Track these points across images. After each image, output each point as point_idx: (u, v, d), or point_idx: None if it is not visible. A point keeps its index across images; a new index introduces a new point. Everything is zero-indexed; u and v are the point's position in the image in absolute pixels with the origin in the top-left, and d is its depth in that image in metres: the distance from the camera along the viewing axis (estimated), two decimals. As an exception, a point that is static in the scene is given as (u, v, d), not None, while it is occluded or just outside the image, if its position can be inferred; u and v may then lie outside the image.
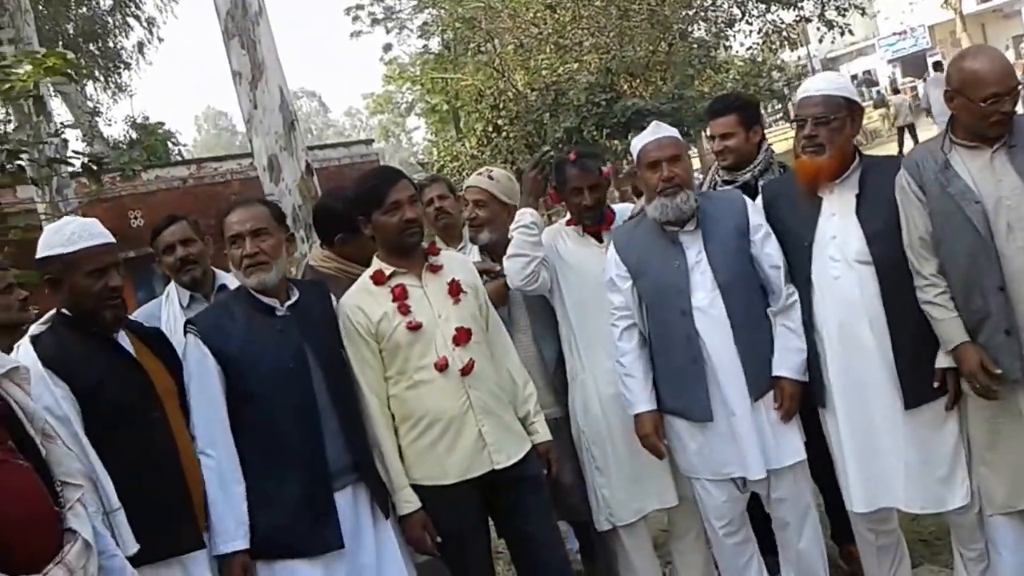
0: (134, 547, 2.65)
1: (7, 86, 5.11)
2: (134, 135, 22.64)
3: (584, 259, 3.64)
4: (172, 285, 3.76)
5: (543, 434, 3.38)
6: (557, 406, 3.71)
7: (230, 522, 2.87)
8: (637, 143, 3.48)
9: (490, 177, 3.92)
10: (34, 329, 2.81)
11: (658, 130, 3.45)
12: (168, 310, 3.72)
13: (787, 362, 3.33)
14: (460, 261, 3.45)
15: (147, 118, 24.40)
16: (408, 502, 3.11)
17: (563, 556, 3.38)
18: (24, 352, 2.72)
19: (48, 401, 2.62)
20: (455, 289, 3.24)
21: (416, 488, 3.12)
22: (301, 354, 3.02)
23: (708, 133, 3.83)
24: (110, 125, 26.34)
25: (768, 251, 3.36)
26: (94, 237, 2.83)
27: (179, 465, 2.86)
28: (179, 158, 21.23)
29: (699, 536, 3.67)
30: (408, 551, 3.19)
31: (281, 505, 2.93)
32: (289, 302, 3.09)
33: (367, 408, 3.13)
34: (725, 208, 3.43)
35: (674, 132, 3.49)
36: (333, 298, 3.25)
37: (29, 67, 5.29)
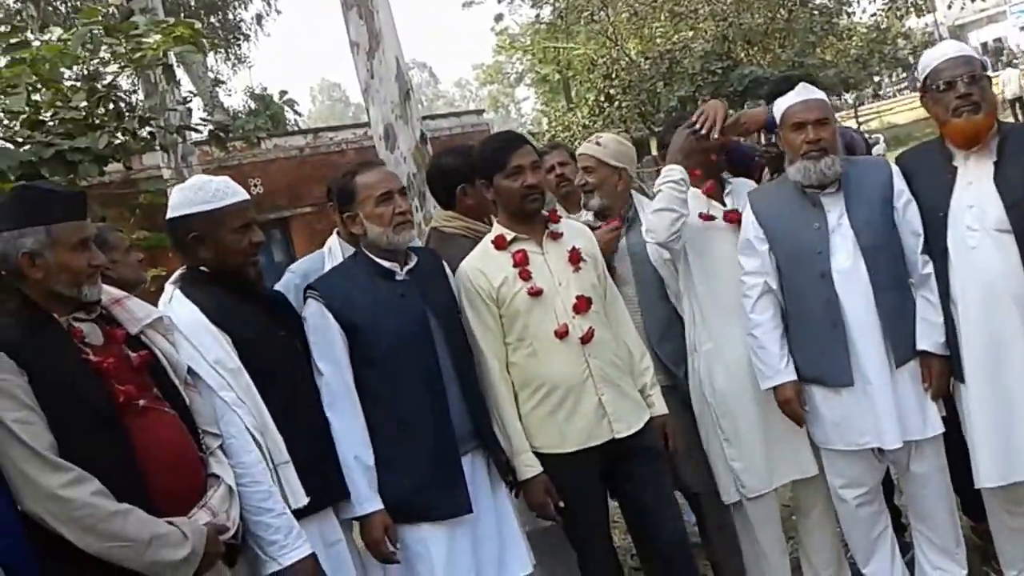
0: (304, 499, 2.70)
1: (139, 54, 5.26)
2: (252, 105, 23.24)
3: (712, 225, 3.53)
4: (335, 239, 3.75)
5: (660, 407, 3.33)
6: (661, 374, 3.61)
7: (363, 485, 2.88)
8: (782, 103, 3.36)
9: (598, 143, 3.86)
10: (172, 286, 2.83)
11: (805, 92, 3.33)
12: (331, 264, 3.69)
13: (930, 336, 3.22)
14: (579, 229, 3.40)
15: (265, 88, 25.03)
16: (529, 466, 3.09)
17: (680, 528, 3.33)
18: (179, 304, 2.74)
19: (219, 354, 2.67)
20: (575, 257, 3.20)
21: (535, 455, 3.11)
22: (424, 319, 3.02)
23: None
24: (230, 95, 27.17)
25: (909, 218, 3.25)
26: (236, 194, 2.83)
27: (324, 420, 2.89)
28: (295, 128, 21.69)
29: (826, 511, 3.57)
30: (520, 519, 3.19)
31: (409, 469, 2.94)
32: (408, 267, 3.09)
33: (488, 373, 3.13)
34: (870, 173, 3.32)
35: (822, 95, 3.37)
36: (446, 264, 3.25)
37: (159, 36, 5.43)
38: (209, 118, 7.65)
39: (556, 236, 3.24)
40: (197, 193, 2.80)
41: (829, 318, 3.25)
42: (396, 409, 2.96)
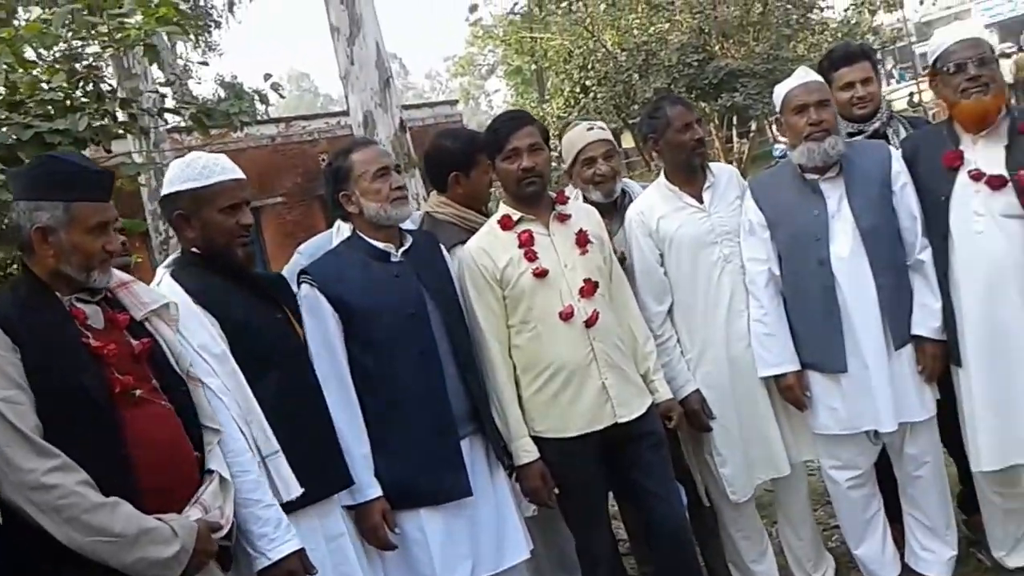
0: (297, 490, 2.55)
1: (121, 35, 5.12)
2: (223, 94, 22.93)
3: (685, 223, 3.43)
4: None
5: (664, 392, 3.29)
6: None
7: (362, 471, 2.81)
8: (781, 89, 3.38)
9: (601, 128, 3.71)
10: (164, 269, 2.71)
11: (805, 75, 3.36)
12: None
13: (926, 321, 3.24)
14: (587, 211, 3.33)
15: (235, 77, 24.70)
16: (527, 451, 3.05)
17: (681, 514, 3.30)
18: (168, 288, 2.61)
19: (204, 339, 2.53)
20: (582, 240, 3.15)
21: (536, 440, 3.07)
22: (420, 300, 2.97)
23: (837, 83, 3.61)
24: (199, 84, 26.76)
25: (907, 201, 3.27)
26: (227, 172, 2.68)
27: (325, 404, 2.79)
28: (266, 117, 21.45)
29: (805, 506, 3.65)
30: (518, 503, 3.15)
31: (406, 453, 2.88)
32: (403, 248, 3.03)
33: (488, 355, 3.08)
34: (869, 157, 3.32)
35: (820, 78, 3.39)
36: (443, 247, 3.19)
37: (141, 17, 5.29)
38: (191, 101, 7.48)
39: (563, 218, 3.19)
40: (185, 170, 2.67)
41: (826, 305, 3.26)
42: (392, 391, 2.90)
